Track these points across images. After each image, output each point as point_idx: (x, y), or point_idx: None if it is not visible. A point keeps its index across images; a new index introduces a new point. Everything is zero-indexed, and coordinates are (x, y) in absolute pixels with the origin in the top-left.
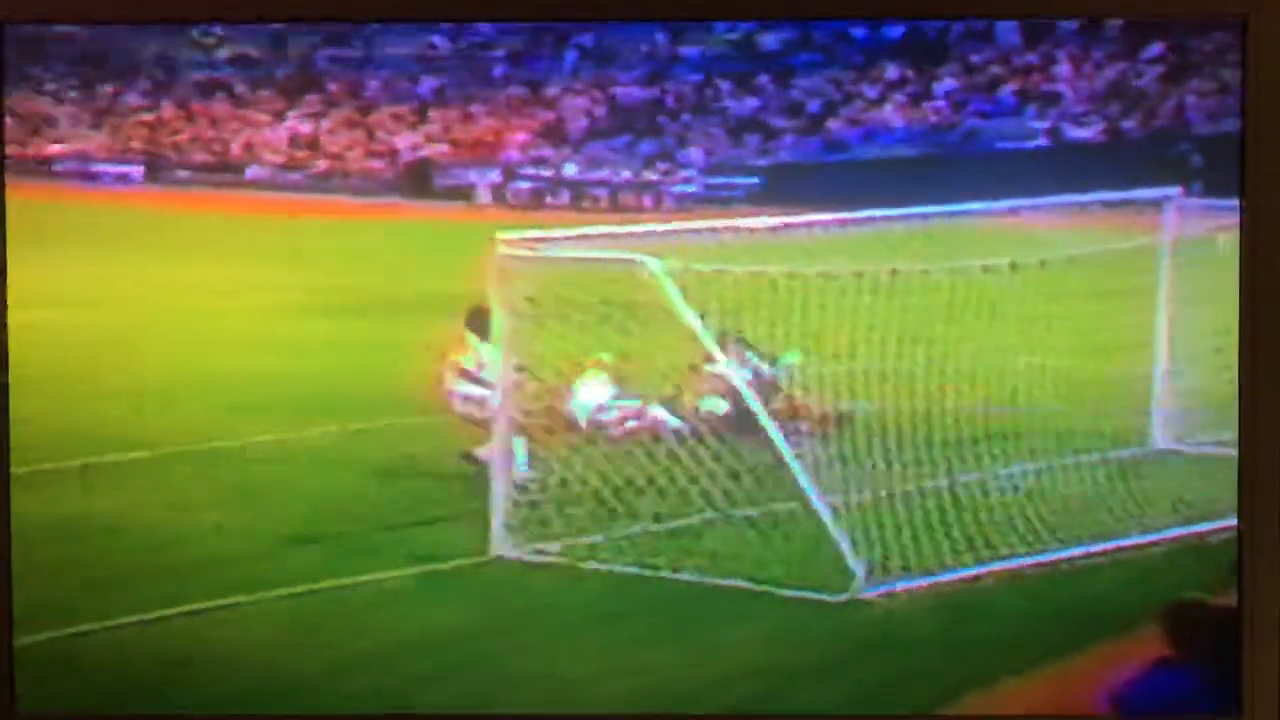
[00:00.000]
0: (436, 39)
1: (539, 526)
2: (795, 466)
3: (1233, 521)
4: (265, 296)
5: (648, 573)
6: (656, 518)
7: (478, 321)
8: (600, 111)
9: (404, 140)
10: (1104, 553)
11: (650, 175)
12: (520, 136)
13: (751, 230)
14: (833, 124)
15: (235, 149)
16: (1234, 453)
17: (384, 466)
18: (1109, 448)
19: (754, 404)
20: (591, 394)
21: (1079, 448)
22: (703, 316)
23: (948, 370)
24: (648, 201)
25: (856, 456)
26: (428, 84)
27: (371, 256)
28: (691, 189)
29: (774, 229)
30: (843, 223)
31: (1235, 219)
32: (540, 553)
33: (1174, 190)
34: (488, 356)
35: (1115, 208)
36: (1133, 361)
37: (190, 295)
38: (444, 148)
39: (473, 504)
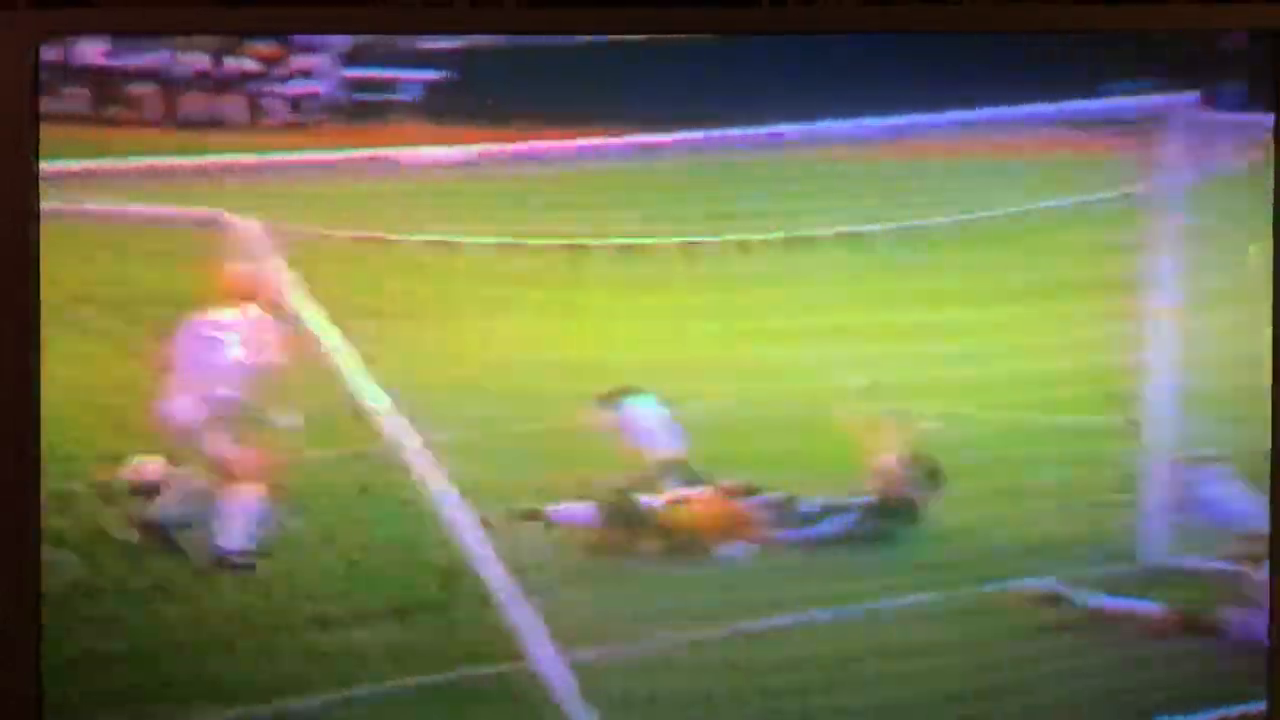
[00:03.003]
0: None
1: None
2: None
3: None
4: None
5: None
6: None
7: None
8: None
9: None
10: None
11: (246, 64)
12: None
13: (435, 164)
14: None
15: None
16: None
17: None
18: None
19: None
20: None
21: (1019, 569)
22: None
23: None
24: (236, 111)
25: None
26: None
27: None
28: (319, 88)
29: (471, 162)
30: (599, 152)
31: None
32: None
33: (1189, 98)
34: None
35: (1082, 128)
36: (1110, 409)
37: None
38: None
39: None
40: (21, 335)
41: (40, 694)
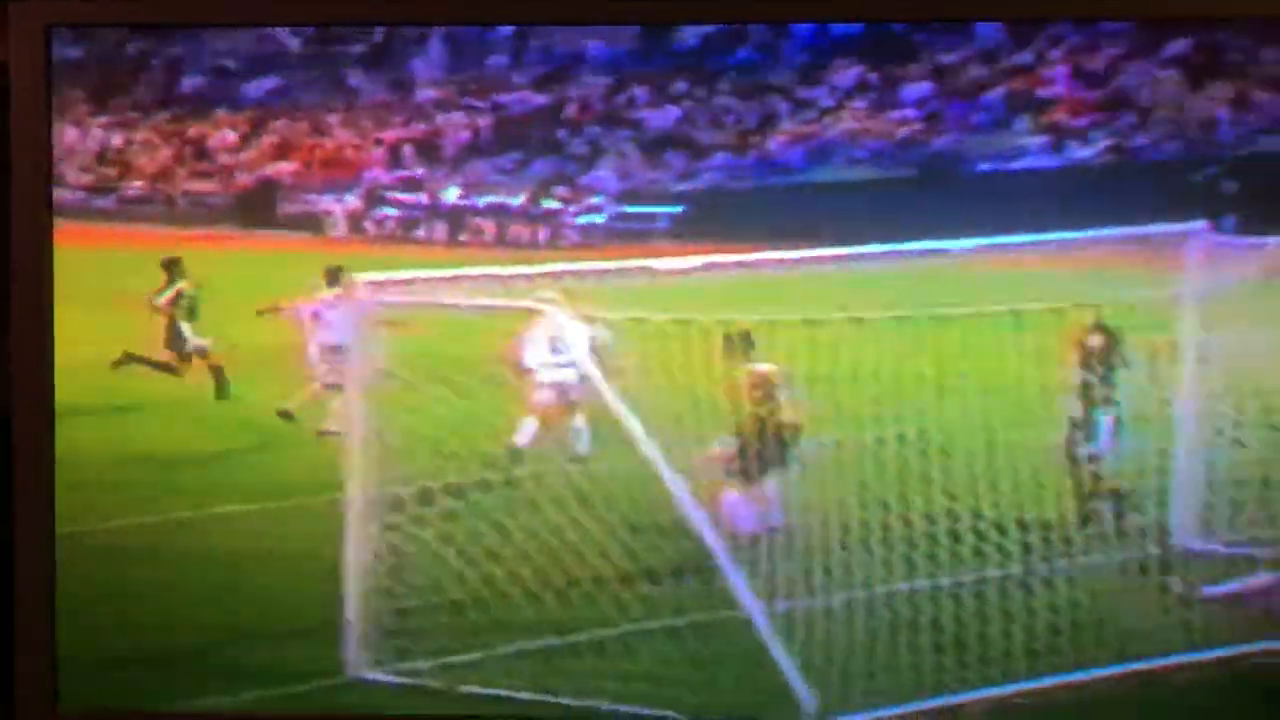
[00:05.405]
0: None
1: (408, 639)
2: (722, 559)
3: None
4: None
5: (546, 699)
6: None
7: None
8: (484, 122)
9: (239, 157)
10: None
11: (548, 203)
12: (383, 153)
13: (677, 271)
14: (773, 140)
15: None
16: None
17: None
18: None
19: None
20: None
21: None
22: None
23: (930, 449)
24: (543, 235)
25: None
26: (266, 85)
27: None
28: (599, 220)
29: (703, 268)
30: (787, 263)
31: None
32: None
33: (1198, 225)
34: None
35: (1124, 245)
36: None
37: None
38: (290, 165)
39: (327, 613)
40: None
41: None
